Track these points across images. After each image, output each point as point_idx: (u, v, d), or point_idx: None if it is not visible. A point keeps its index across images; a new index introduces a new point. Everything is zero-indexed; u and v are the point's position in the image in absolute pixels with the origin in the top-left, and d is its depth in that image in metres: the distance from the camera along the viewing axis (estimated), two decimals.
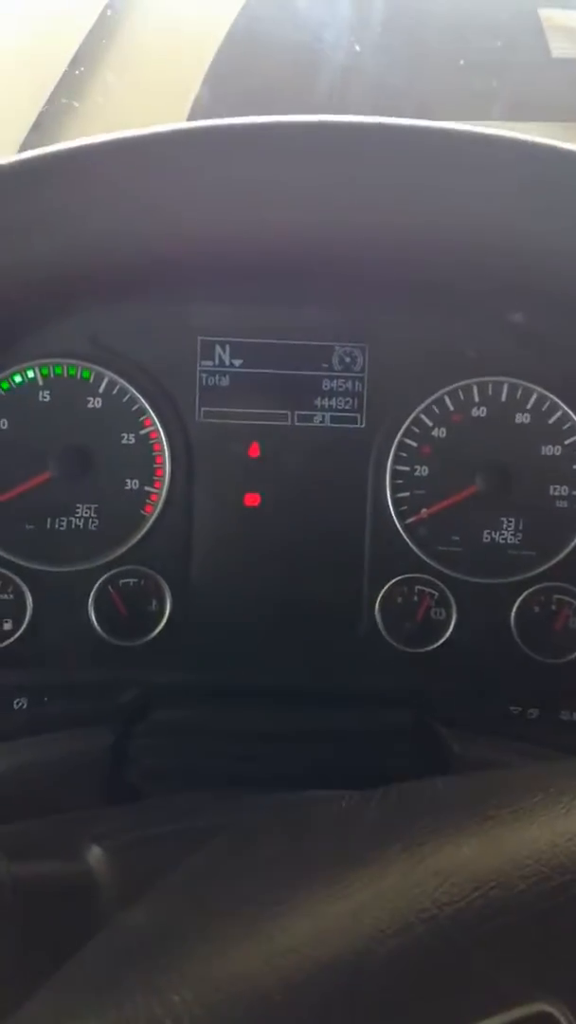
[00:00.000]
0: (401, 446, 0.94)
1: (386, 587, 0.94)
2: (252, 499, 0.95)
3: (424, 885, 0.37)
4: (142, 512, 0.94)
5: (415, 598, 0.94)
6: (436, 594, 0.94)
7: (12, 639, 0.92)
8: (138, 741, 0.85)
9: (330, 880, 0.39)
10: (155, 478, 0.93)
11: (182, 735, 0.87)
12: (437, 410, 0.94)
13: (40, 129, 1.34)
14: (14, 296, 0.54)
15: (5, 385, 0.92)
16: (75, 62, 1.35)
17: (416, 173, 0.47)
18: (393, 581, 0.94)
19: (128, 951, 0.41)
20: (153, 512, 0.93)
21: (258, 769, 0.84)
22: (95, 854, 0.57)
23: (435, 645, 0.94)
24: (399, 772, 0.83)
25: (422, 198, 0.47)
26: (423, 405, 0.93)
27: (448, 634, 0.94)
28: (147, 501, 0.94)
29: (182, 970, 0.37)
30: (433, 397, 0.93)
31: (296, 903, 0.38)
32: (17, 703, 0.92)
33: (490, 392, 0.93)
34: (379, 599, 0.94)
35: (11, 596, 0.92)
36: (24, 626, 0.92)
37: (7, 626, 0.92)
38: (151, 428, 0.93)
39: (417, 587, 0.94)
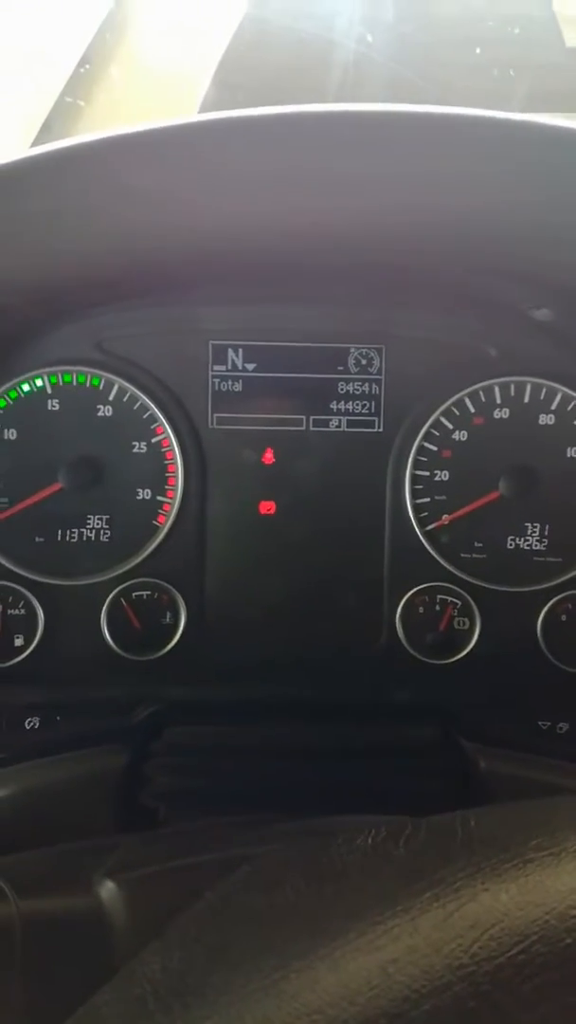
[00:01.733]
0: (421, 450, 0.91)
1: (407, 597, 0.91)
2: (267, 507, 0.93)
3: (461, 939, 0.34)
4: (155, 522, 0.91)
5: (437, 608, 0.91)
6: (459, 603, 0.91)
7: (23, 655, 0.90)
8: (154, 760, 0.82)
9: (357, 931, 0.36)
10: (167, 487, 0.91)
11: (199, 753, 0.84)
12: (458, 412, 0.91)
13: (49, 130, 1.32)
14: (21, 299, 0.51)
15: (13, 394, 0.90)
16: (82, 61, 1.33)
17: (437, 160, 0.44)
18: (414, 590, 0.91)
19: (140, 1004, 0.38)
20: (166, 522, 0.91)
21: (278, 788, 0.82)
22: (108, 889, 0.54)
23: (459, 656, 0.91)
24: (424, 790, 0.82)
25: (444, 186, 0.44)
26: (443, 407, 0.90)
27: (472, 645, 0.91)
28: (160, 511, 0.91)
29: None
30: (453, 399, 0.90)
31: (321, 955, 0.35)
32: (29, 722, 0.89)
33: (513, 393, 0.90)
34: (400, 609, 0.91)
35: (22, 611, 0.90)
36: (36, 642, 0.90)
37: (18, 642, 0.90)
38: (163, 436, 0.91)
39: (439, 596, 0.91)
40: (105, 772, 0.81)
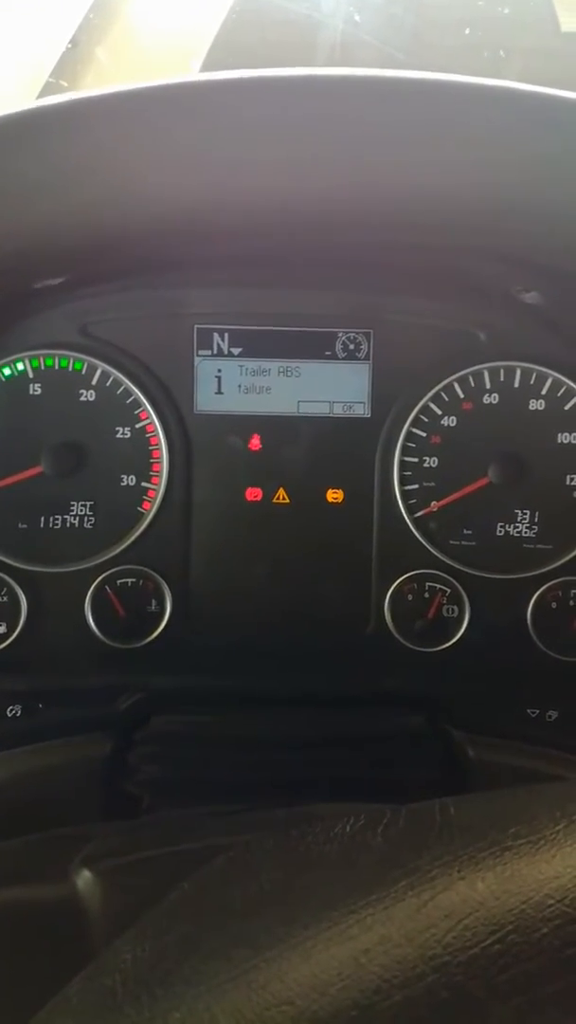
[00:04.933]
0: (409, 436, 0.90)
1: (395, 584, 0.90)
2: (254, 494, 0.92)
3: (435, 928, 0.33)
4: (139, 509, 0.90)
5: (426, 595, 0.90)
6: (448, 591, 0.90)
7: (6, 643, 0.89)
8: (138, 749, 0.82)
9: (330, 920, 0.35)
10: (152, 473, 0.90)
11: (184, 742, 0.84)
12: (447, 398, 0.89)
13: None
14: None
15: None
16: (69, 41, 1.31)
17: (419, 127, 0.43)
18: (402, 578, 0.90)
19: (109, 994, 0.38)
20: (151, 509, 0.90)
21: (263, 777, 0.81)
22: (84, 878, 0.53)
23: (448, 644, 0.90)
24: (411, 779, 0.81)
25: (428, 159, 0.43)
26: (432, 393, 0.89)
27: (461, 632, 0.90)
28: (144, 498, 0.90)
29: (167, 1020, 0.33)
30: (442, 384, 0.89)
31: (292, 945, 0.35)
32: (11, 710, 0.88)
33: (502, 378, 0.89)
34: (388, 597, 0.90)
35: (5, 598, 0.89)
36: (18, 629, 0.89)
37: (0, 629, 0.89)
38: (147, 421, 0.90)
39: (428, 584, 0.90)
40: (89, 760, 0.80)
